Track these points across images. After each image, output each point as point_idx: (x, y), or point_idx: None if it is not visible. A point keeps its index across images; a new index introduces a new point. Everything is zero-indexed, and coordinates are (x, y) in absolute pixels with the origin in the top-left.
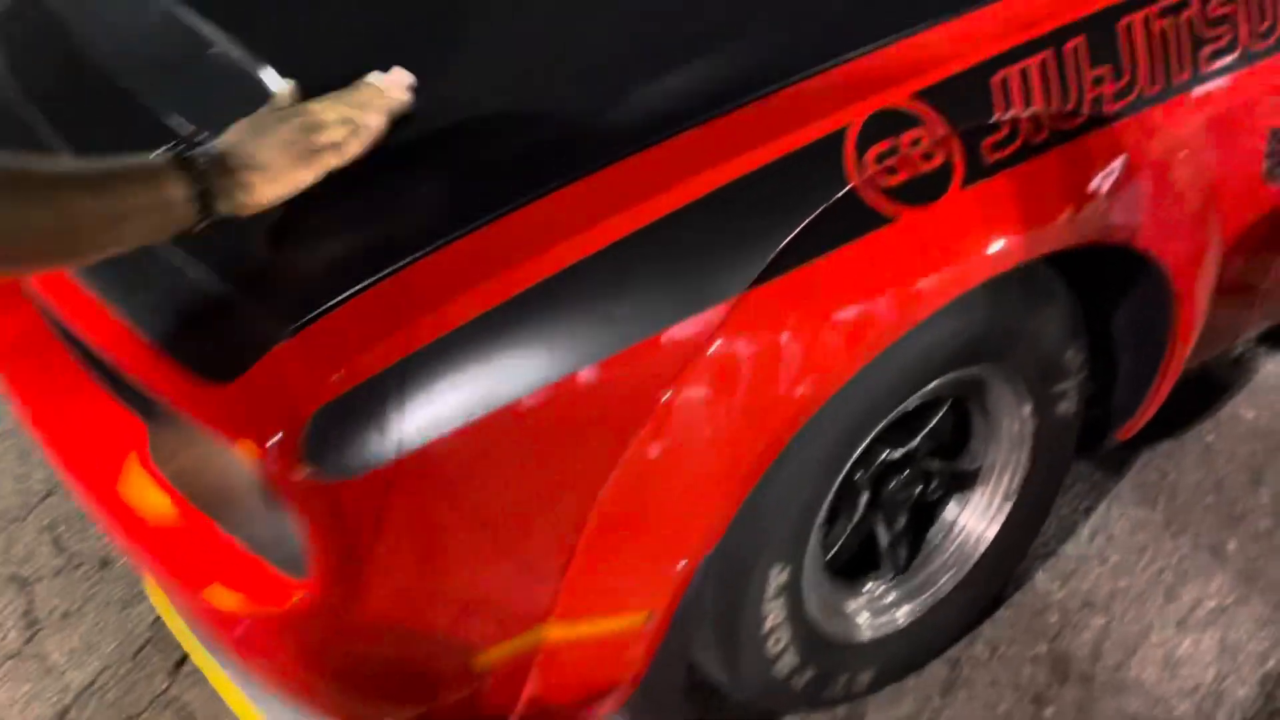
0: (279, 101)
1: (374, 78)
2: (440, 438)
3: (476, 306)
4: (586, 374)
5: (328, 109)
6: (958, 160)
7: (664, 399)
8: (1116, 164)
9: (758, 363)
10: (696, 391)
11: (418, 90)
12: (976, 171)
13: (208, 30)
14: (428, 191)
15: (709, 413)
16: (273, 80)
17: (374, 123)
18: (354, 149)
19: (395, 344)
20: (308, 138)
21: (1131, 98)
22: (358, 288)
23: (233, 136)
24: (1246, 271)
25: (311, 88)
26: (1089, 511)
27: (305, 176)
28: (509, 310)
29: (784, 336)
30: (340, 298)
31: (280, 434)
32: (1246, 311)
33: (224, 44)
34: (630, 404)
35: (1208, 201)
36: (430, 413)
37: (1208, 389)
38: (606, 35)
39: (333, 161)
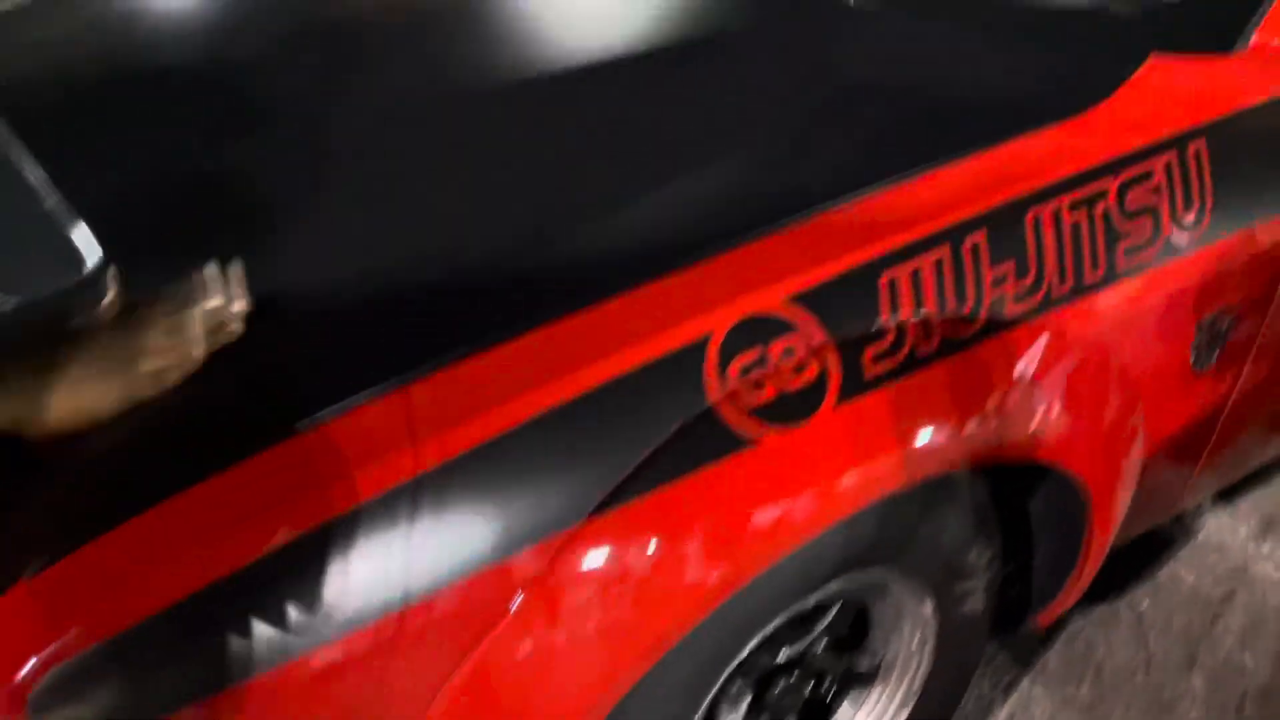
0: (104, 312)
1: (215, 302)
2: (211, 697)
3: (271, 539)
4: (404, 617)
5: (155, 334)
6: (834, 373)
7: (506, 617)
8: (1016, 373)
9: (606, 589)
10: (537, 625)
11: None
12: (855, 386)
13: (34, 177)
14: (230, 402)
15: (549, 642)
16: (86, 243)
17: (200, 354)
18: (173, 379)
19: (163, 585)
20: (127, 362)
21: (1038, 299)
22: (127, 515)
23: (40, 340)
24: (1180, 455)
25: (131, 252)
26: (1010, 689)
27: (111, 403)
28: (310, 543)
29: (636, 562)
30: (105, 529)
31: (2, 693)
32: (1181, 490)
33: (47, 195)
34: (461, 633)
35: (1126, 402)
36: (198, 671)
37: (1148, 546)
38: (452, 225)
39: (146, 391)
